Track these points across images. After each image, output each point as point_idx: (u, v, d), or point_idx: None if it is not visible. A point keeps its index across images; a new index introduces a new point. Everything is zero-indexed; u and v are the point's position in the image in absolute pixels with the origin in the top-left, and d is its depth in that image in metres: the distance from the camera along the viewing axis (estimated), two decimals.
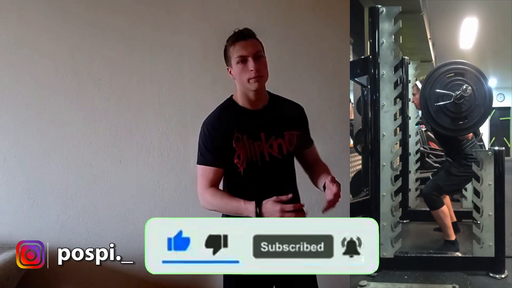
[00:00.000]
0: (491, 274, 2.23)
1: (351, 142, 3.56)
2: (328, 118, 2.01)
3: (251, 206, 1.26)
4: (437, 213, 2.57)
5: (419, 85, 2.72)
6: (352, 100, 3.86)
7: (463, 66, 2.21)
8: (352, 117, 3.82)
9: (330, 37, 1.99)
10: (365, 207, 2.44)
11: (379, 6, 2.26)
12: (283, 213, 1.24)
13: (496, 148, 2.28)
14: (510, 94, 10.99)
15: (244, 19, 1.97)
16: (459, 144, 2.53)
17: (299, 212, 1.26)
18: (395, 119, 2.27)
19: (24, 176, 1.98)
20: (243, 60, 1.31)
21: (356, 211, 2.50)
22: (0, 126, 1.97)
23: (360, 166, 3.69)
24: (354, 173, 3.66)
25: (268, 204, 1.24)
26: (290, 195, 1.26)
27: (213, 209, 1.37)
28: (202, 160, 1.36)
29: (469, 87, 2.07)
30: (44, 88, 1.96)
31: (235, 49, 1.32)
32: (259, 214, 1.25)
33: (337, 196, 1.26)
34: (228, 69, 1.37)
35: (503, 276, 2.22)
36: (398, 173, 2.33)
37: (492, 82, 10.69)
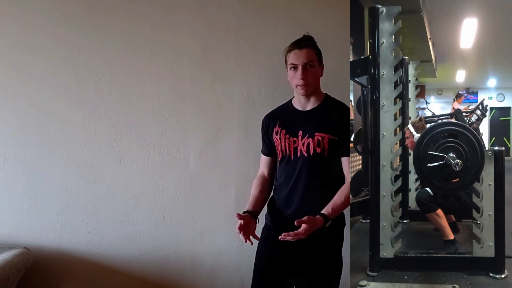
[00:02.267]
0: (491, 274, 2.23)
1: (351, 142, 3.56)
2: None
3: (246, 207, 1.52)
4: (432, 216, 2.57)
5: (411, 129, 2.76)
6: (352, 100, 3.86)
7: (457, 128, 2.25)
8: (352, 117, 3.82)
9: (330, 37, 1.99)
10: (365, 207, 2.44)
11: (379, 6, 2.25)
12: (240, 232, 1.42)
13: (496, 148, 2.28)
14: (510, 94, 10.98)
15: (244, 19, 1.97)
16: None
17: (244, 236, 1.42)
18: (395, 119, 2.26)
19: (24, 176, 1.98)
20: (294, 67, 1.47)
21: (356, 211, 2.50)
22: (0, 126, 1.97)
23: (360, 166, 3.69)
24: (354, 173, 3.66)
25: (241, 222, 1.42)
26: (237, 215, 1.40)
27: None
28: (261, 149, 1.65)
29: (460, 162, 2.12)
30: (44, 88, 1.97)
31: (290, 56, 1.49)
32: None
33: (298, 234, 1.34)
34: (286, 71, 1.54)
35: (503, 276, 2.22)
36: (398, 173, 2.33)
37: (492, 82, 10.70)
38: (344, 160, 1.51)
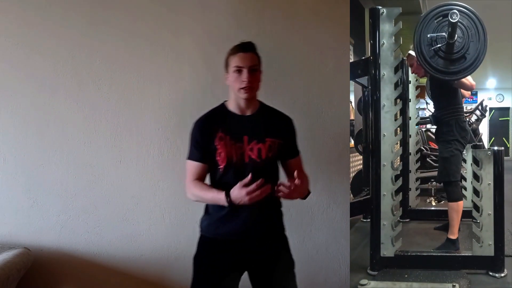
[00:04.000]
0: (491, 273, 2.24)
1: (352, 142, 3.57)
2: (328, 118, 2.01)
3: (222, 195, 1.39)
4: (453, 206, 2.57)
5: (413, 53, 2.71)
6: (352, 101, 3.87)
7: (449, 6, 2.12)
8: (352, 117, 3.83)
9: (330, 38, 1.99)
10: (365, 206, 2.44)
11: (380, 7, 2.26)
12: (250, 195, 1.35)
13: (496, 148, 2.29)
14: (509, 94, 11.01)
15: (244, 19, 1.97)
16: (451, 101, 2.57)
17: (264, 189, 1.36)
18: (395, 119, 2.27)
19: (24, 176, 1.98)
20: (239, 70, 1.45)
21: (356, 210, 2.51)
22: (0, 126, 1.97)
23: (360, 166, 3.69)
24: (354, 173, 3.67)
25: (235, 191, 1.37)
26: (249, 176, 1.36)
27: (195, 199, 1.51)
28: (189, 156, 1.51)
29: (456, 12, 2.01)
30: (44, 88, 1.96)
31: (234, 59, 1.46)
32: (230, 202, 1.38)
33: (292, 187, 1.36)
34: (225, 75, 1.51)
35: (502, 275, 2.23)
36: (399, 172, 2.34)
37: (492, 82, 10.73)
38: (296, 159, 1.56)
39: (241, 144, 1.46)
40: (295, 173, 1.37)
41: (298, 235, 2.01)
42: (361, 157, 3.70)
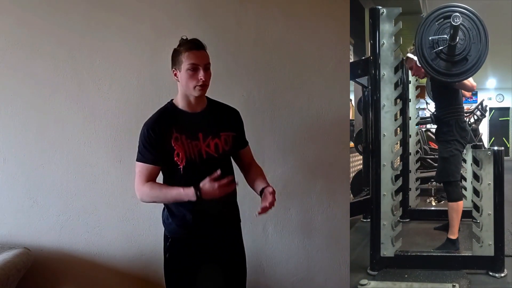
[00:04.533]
0: (491, 273, 2.23)
1: (352, 142, 3.57)
2: (328, 118, 2.01)
3: (190, 191, 1.39)
4: (453, 205, 2.56)
5: (411, 56, 2.71)
6: (352, 101, 3.87)
7: (451, 8, 2.11)
8: (352, 117, 3.82)
9: (330, 37, 1.99)
10: (365, 206, 2.44)
11: (380, 7, 2.26)
12: (221, 188, 1.38)
13: (496, 148, 2.29)
14: (509, 94, 11.01)
15: (244, 19, 1.97)
16: (452, 101, 2.57)
17: (233, 183, 1.43)
18: (395, 120, 2.27)
19: (24, 176, 1.98)
20: (194, 68, 1.43)
21: (356, 210, 2.51)
22: (0, 126, 1.97)
23: (360, 166, 3.69)
24: (354, 173, 3.67)
25: (206, 185, 1.38)
26: (219, 171, 1.39)
27: (152, 201, 1.51)
28: (140, 158, 1.49)
29: (458, 15, 1.99)
30: (44, 88, 1.96)
31: (189, 56, 1.43)
32: (199, 196, 1.38)
33: (272, 205, 1.41)
34: (173, 71, 1.49)
35: (502, 275, 2.22)
36: (399, 172, 2.34)
37: (492, 82, 10.73)
38: (246, 149, 1.62)
39: (197, 142, 1.46)
40: (269, 190, 1.43)
41: (298, 235, 2.02)
42: (361, 157, 3.70)
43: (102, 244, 2.00)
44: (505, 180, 2.29)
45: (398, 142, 2.82)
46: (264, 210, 1.40)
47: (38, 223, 1.98)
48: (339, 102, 2.02)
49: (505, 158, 2.45)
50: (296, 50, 2.00)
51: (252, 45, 1.97)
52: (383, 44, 2.24)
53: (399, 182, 2.26)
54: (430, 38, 2.13)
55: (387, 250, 2.24)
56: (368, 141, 2.64)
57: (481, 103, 4.86)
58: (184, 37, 1.48)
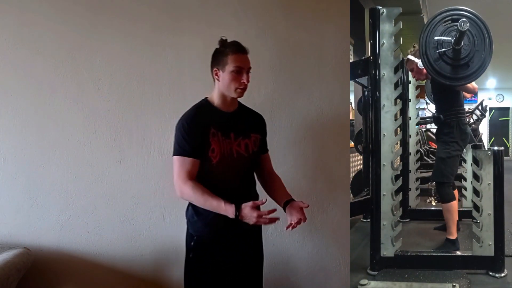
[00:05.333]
0: (491, 273, 2.23)
1: (352, 142, 3.57)
2: (328, 118, 2.01)
3: (231, 209, 1.40)
4: (448, 207, 2.57)
5: (412, 58, 2.72)
6: (352, 101, 3.87)
7: (460, 12, 2.15)
8: (352, 117, 3.83)
9: (330, 37, 1.99)
10: (365, 206, 2.44)
11: (380, 7, 2.26)
12: (259, 219, 1.39)
13: (496, 148, 2.29)
14: (509, 94, 11.01)
15: (244, 19, 1.97)
16: (453, 103, 2.58)
17: (274, 218, 1.41)
18: (395, 120, 2.27)
19: (24, 176, 1.98)
20: (238, 71, 1.46)
21: (356, 210, 2.51)
22: (0, 126, 1.97)
23: (360, 166, 3.70)
24: (354, 173, 3.67)
25: (246, 209, 1.39)
26: (265, 200, 1.42)
27: (190, 201, 1.52)
28: (180, 152, 1.47)
29: (466, 21, 2.00)
30: (44, 88, 1.96)
31: (235, 59, 1.47)
32: (237, 216, 1.40)
33: (303, 221, 1.45)
34: (214, 71, 1.51)
35: (502, 275, 2.23)
36: (399, 172, 2.34)
37: (492, 82, 10.73)
38: (267, 155, 1.65)
39: (230, 140, 1.50)
40: (298, 204, 1.46)
41: (298, 235, 2.02)
42: (361, 157, 3.71)
43: (102, 244, 2.00)
44: (505, 180, 2.29)
45: (398, 142, 2.82)
46: (298, 224, 1.42)
47: (38, 223, 1.98)
48: (339, 102, 2.02)
49: (505, 158, 2.45)
50: (296, 50, 2.00)
51: (252, 45, 1.97)
52: (383, 44, 2.24)
53: (399, 182, 2.27)
54: (435, 38, 2.14)
55: (387, 250, 2.24)
56: (368, 141, 2.64)
57: (481, 103, 4.86)
58: (224, 38, 1.52)
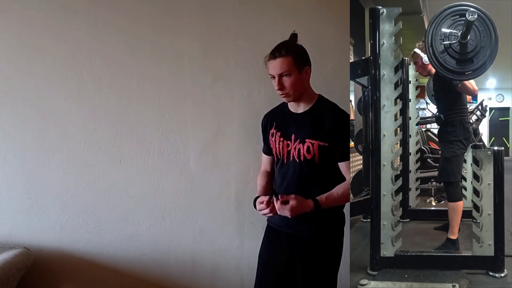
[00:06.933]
0: (491, 273, 2.23)
1: (352, 142, 3.57)
2: None
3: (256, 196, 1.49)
4: (454, 206, 2.57)
5: (418, 51, 2.72)
6: (352, 101, 3.87)
7: (467, 8, 2.16)
8: (352, 117, 3.82)
9: (330, 37, 1.99)
10: (365, 206, 2.44)
11: (380, 7, 2.26)
12: (261, 211, 1.43)
13: (496, 148, 2.28)
14: (509, 94, 11.00)
15: (244, 19, 1.97)
16: (456, 102, 2.57)
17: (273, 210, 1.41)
18: (395, 120, 2.27)
19: (24, 176, 1.98)
20: (272, 77, 1.47)
21: (356, 210, 2.51)
22: (0, 126, 1.97)
23: (360, 166, 3.69)
24: (354, 172, 3.67)
25: (257, 202, 1.45)
26: (267, 198, 1.40)
27: None
28: (262, 148, 1.66)
29: (474, 11, 2.02)
30: (44, 88, 1.96)
31: (268, 66, 1.47)
32: (254, 206, 1.47)
33: (274, 213, 1.42)
34: None
35: (502, 275, 2.22)
36: (399, 172, 2.34)
37: (492, 82, 10.72)
38: (341, 165, 1.48)
39: (290, 142, 1.49)
40: (280, 196, 1.40)
41: None
42: (361, 157, 3.70)
43: (102, 244, 2.00)
44: (505, 180, 2.29)
45: (398, 142, 2.81)
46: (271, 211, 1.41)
47: (38, 223, 1.98)
48: (339, 102, 2.01)
49: (505, 158, 2.44)
50: None
51: (252, 45, 1.97)
52: (383, 44, 2.23)
53: (399, 182, 2.26)
54: (442, 30, 2.15)
55: (387, 250, 2.24)
56: (368, 141, 2.63)
57: (481, 103, 4.86)
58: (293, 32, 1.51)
